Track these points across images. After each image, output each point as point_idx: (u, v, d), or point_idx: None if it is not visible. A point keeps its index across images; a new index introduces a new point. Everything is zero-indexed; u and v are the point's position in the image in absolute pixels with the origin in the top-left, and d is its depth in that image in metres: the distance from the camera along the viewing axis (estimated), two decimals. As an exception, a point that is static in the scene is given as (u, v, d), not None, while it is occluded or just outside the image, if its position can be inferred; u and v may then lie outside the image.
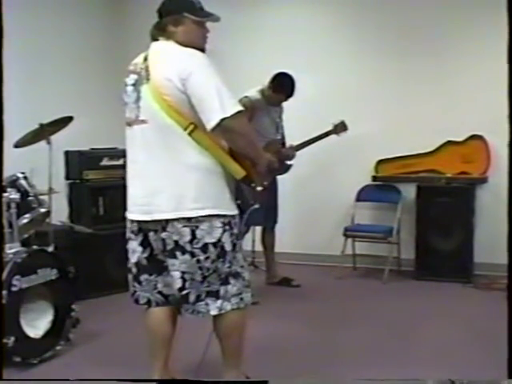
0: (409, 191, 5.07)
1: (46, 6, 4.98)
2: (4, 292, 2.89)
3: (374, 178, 5.24)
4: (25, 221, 3.38)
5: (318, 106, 5.20)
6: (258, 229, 4.81)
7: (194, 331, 2.60)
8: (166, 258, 2.39)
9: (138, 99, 2.35)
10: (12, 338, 2.92)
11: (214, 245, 2.32)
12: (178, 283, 2.34)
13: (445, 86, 5.01)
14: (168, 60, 2.29)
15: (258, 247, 5.12)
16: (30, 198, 3.44)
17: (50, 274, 3.22)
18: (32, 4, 4.82)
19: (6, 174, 3.01)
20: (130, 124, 2.41)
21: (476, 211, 4.85)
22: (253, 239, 5.12)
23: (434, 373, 2.92)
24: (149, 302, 2.51)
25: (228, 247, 2.36)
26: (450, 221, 4.79)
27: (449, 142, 5.04)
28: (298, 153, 4.53)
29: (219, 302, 2.36)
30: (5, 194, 3.18)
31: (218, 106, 2.19)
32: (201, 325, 2.51)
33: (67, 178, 4.60)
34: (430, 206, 4.85)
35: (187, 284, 2.33)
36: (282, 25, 5.49)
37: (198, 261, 2.31)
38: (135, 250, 2.47)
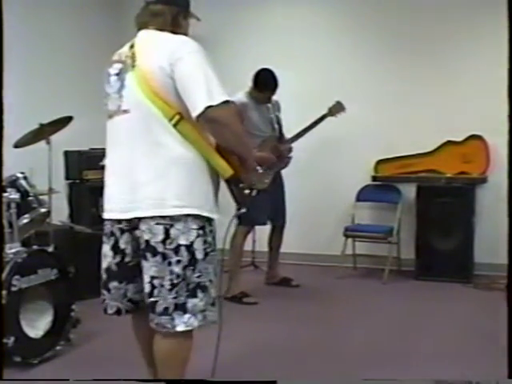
0: (409, 191, 5.07)
1: (46, 6, 4.98)
2: (4, 292, 2.89)
3: (374, 178, 5.24)
4: (25, 221, 3.37)
5: (319, 106, 5.20)
6: (258, 229, 4.79)
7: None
8: (141, 260, 2.20)
9: (121, 88, 2.20)
10: (12, 338, 2.91)
11: (187, 248, 2.13)
12: (147, 288, 2.16)
13: (444, 86, 5.01)
14: (159, 45, 2.16)
15: (258, 247, 5.12)
16: (30, 198, 3.42)
17: (50, 274, 3.22)
18: (32, 4, 4.82)
19: (6, 174, 3.01)
20: (111, 116, 2.25)
21: (476, 211, 4.84)
22: (253, 239, 5.11)
23: (434, 372, 2.92)
24: (118, 312, 2.32)
25: (199, 255, 2.15)
26: (450, 221, 4.79)
27: (448, 142, 5.04)
28: (298, 153, 4.53)
29: (187, 316, 2.13)
30: (5, 194, 3.17)
31: (204, 94, 2.04)
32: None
33: (67, 178, 4.60)
34: (430, 206, 4.85)
35: (156, 291, 2.14)
36: (281, 23, 5.51)
37: (170, 263, 2.12)
38: (106, 255, 2.30)
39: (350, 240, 5.07)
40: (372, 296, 4.51)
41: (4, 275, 2.96)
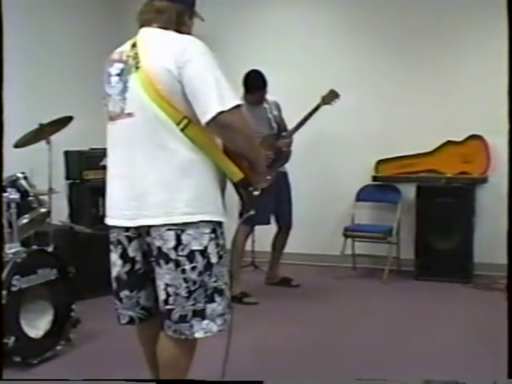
0: (409, 191, 5.08)
1: (46, 7, 4.98)
2: (4, 292, 2.89)
3: (374, 178, 5.24)
4: (25, 221, 3.38)
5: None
6: (258, 229, 4.79)
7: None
8: (154, 266, 2.15)
9: (124, 90, 2.09)
10: (12, 338, 2.92)
11: (201, 253, 2.08)
12: (162, 295, 2.11)
13: (445, 86, 5.02)
14: (165, 46, 2.05)
15: (258, 247, 5.12)
16: (29, 198, 3.44)
17: (50, 274, 3.22)
18: (32, 5, 4.82)
19: (6, 174, 3.01)
20: (113, 119, 2.16)
21: (476, 211, 4.85)
22: (253, 239, 5.11)
23: (434, 373, 2.92)
24: (131, 321, 2.28)
25: (214, 259, 2.11)
26: (450, 221, 4.79)
27: (449, 142, 5.05)
28: (298, 153, 4.53)
29: (205, 322, 2.09)
30: (5, 194, 3.18)
31: (215, 98, 1.95)
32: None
33: (67, 178, 4.61)
34: (430, 206, 4.85)
35: (171, 299, 2.09)
36: (280, 23, 5.51)
37: (183, 271, 2.06)
38: (115, 264, 2.26)
39: (349, 240, 5.07)
40: (371, 296, 4.51)
41: (4, 275, 2.96)
